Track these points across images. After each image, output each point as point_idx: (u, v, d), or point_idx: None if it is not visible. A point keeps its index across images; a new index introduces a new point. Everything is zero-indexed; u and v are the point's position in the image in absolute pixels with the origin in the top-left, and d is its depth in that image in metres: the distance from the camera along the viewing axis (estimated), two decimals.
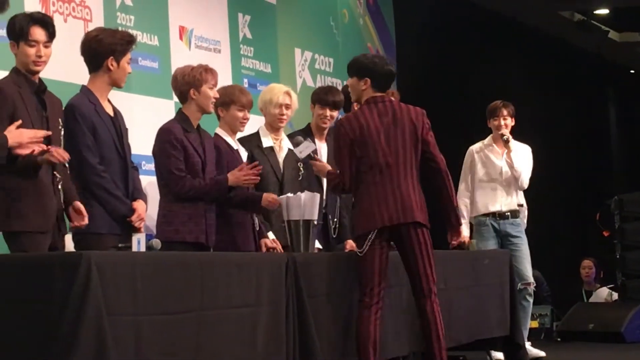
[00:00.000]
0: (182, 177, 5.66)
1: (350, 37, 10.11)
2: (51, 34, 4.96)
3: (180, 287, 4.20)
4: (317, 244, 6.46)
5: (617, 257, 10.57)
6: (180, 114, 5.85)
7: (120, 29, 6.23)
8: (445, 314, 6.52)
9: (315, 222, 5.77)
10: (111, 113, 5.41)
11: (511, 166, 8.05)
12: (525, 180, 8.10)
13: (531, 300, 8.16)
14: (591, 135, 15.74)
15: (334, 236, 6.77)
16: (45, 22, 4.96)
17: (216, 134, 6.13)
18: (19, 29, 4.90)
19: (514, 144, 8.17)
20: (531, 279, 8.13)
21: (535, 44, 13.77)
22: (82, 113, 5.25)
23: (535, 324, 10.26)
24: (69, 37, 6.18)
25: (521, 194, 8.29)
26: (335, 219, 6.80)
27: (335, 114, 6.78)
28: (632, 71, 16.73)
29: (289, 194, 5.80)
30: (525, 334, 7.94)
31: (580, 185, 15.08)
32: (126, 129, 5.49)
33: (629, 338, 9.59)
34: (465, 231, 8.09)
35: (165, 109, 7.26)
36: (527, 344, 8.00)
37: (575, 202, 14.69)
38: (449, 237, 5.90)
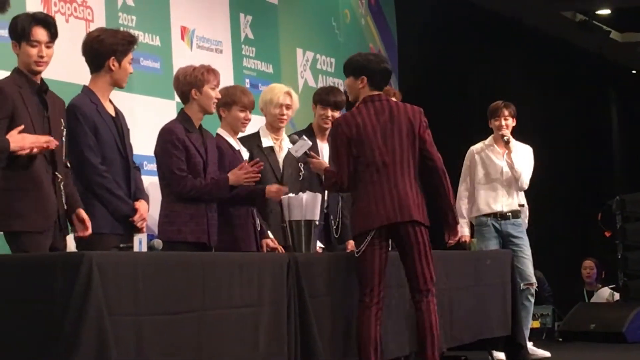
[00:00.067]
0: (183, 177, 5.66)
1: (352, 38, 10.11)
2: (53, 35, 4.96)
3: (182, 287, 4.20)
4: (320, 244, 6.47)
5: (619, 257, 10.59)
6: (182, 114, 5.85)
7: (121, 29, 6.24)
8: (447, 314, 6.55)
9: (317, 223, 5.78)
10: (113, 113, 5.41)
11: (511, 167, 8.06)
12: (525, 181, 8.10)
13: (533, 300, 8.16)
14: (592, 136, 15.73)
15: (336, 236, 6.77)
16: (47, 22, 4.96)
17: (218, 134, 6.14)
18: (21, 29, 4.90)
19: (516, 144, 8.17)
20: (533, 279, 8.14)
21: (536, 44, 13.77)
22: (84, 113, 5.25)
23: (536, 324, 10.27)
24: (71, 37, 6.18)
25: (522, 194, 8.29)
26: (337, 219, 6.80)
27: (337, 114, 6.78)
28: (633, 71, 16.72)
29: (291, 194, 5.80)
30: (527, 334, 7.95)
31: (582, 186, 15.07)
32: (128, 129, 5.49)
33: (631, 338, 9.59)
34: (465, 231, 8.11)
35: (166, 109, 7.27)
36: (530, 344, 8.01)
37: (577, 203, 14.68)
38: (446, 236, 5.90)
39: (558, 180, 13.94)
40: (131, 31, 6.29)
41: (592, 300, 11.40)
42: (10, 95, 4.81)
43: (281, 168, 6.41)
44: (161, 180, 5.80)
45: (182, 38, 7.85)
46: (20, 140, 4.67)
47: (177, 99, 6.09)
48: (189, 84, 5.79)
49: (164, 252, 4.86)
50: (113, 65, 5.33)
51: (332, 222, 6.76)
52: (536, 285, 8.30)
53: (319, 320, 5.13)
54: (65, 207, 4.99)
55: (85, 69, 5.41)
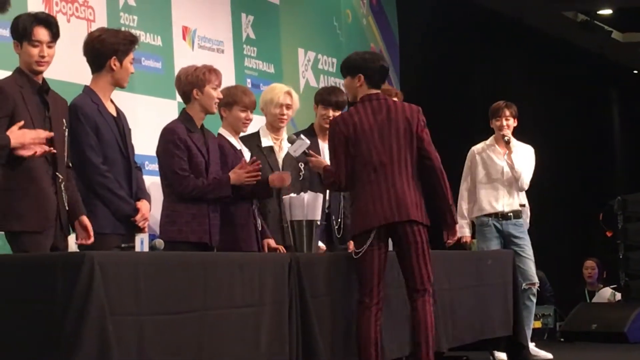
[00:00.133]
0: (185, 177, 5.66)
1: (353, 37, 10.11)
2: (55, 35, 4.96)
3: (183, 287, 4.20)
4: (321, 244, 6.47)
5: (620, 257, 10.58)
6: (184, 114, 5.85)
7: (123, 29, 6.24)
8: (448, 314, 6.55)
9: (319, 223, 5.77)
10: (114, 113, 5.40)
11: (511, 167, 8.05)
12: (525, 181, 8.09)
13: (535, 300, 8.16)
14: (594, 136, 15.73)
15: (338, 236, 6.77)
16: (49, 22, 4.96)
17: (219, 134, 6.14)
18: (23, 29, 4.90)
19: (517, 144, 8.17)
20: (536, 279, 8.14)
21: (538, 44, 13.77)
22: (85, 113, 5.25)
23: (538, 324, 10.27)
24: (72, 37, 6.19)
25: (523, 194, 8.29)
26: (339, 220, 6.79)
27: (338, 114, 6.77)
28: (635, 71, 16.72)
29: (292, 194, 5.80)
30: (529, 334, 7.95)
31: (583, 186, 15.07)
32: (129, 129, 5.49)
33: (632, 338, 9.58)
34: (466, 231, 8.10)
35: (168, 109, 7.27)
36: (532, 345, 8.00)
37: (578, 203, 14.68)
38: (445, 235, 5.88)
39: (559, 181, 13.94)
40: (132, 31, 6.29)
41: (594, 300, 11.41)
42: (10, 95, 4.81)
43: (281, 168, 6.39)
44: (163, 180, 5.79)
45: (184, 38, 7.86)
46: (21, 136, 4.66)
47: (179, 98, 6.09)
48: (190, 83, 5.79)
49: (166, 252, 4.86)
50: (114, 65, 5.33)
51: (334, 222, 6.76)
52: (538, 285, 8.30)
53: (320, 321, 5.13)
54: (67, 207, 4.99)
55: (87, 68, 5.41)
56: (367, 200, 5.50)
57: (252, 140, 6.42)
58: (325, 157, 6.61)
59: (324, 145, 6.79)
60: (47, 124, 4.91)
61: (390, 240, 5.59)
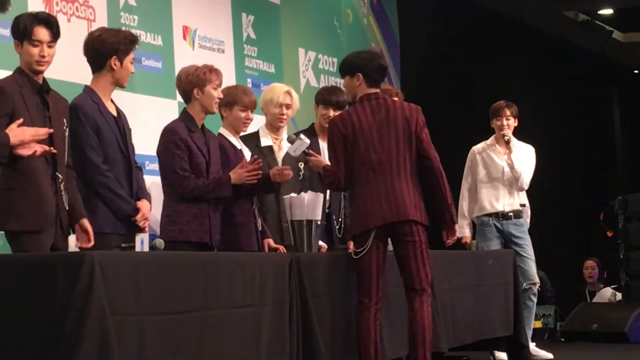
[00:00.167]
0: (185, 177, 5.66)
1: (354, 37, 10.11)
2: (55, 34, 4.96)
3: (184, 287, 4.19)
4: (322, 244, 6.46)
5: (621, 257, 10.58)
6: (184, 114, 5.84)
7: (123, 28, 6.23)
8: (449, 314, 6.55)
9: (319, 222, 5.77)
10: (114, 113, 5.40)
11: (511, 167, 8.05)
12: (525, 181, 8.08)
13: (535, 300, 8.15)
14: (595, 136, 15.73)
15: (339, 236, 6.77)
16: (50, 22, 4.96)
17: (220, 134, 6.13)
18: (23, 29, 4.90)
19: (517, 144, 8.17)
20: (536, 279, 8.13)
21: (539, 44, 13.77)
22: (86, 113, 5.24)
23: (538, 324, 10.27)
24: (73, 37, 6.18)
25: (524, 194, 8.28)
26: (340, 219, 6.79)
27: (337, 114, 6.77)
28: (635, 71, 16.71)
29: (292, 194, 5.80)
30: (530, 334, 7.95)
31: (584, 186, 15.07)
32: (129, 129, 5.49)
33: (633, 338, 9.58)
34: (466, 231, 8.10)
35: (168, 109, 7.27)
36: (532, 345, 8.00)
37: (579, 202, 14.68)
38: (444, 235, 5.87)
39: (560, 180, 13.94)
40: (133, 31, 6.29)
41: (594, 300, 11.41)
42: (10, 94, 4.81)
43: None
44: (163, 180, 5.79)
45: (184, 38, 7.86)
46: (20, 134, 4.65)
47: (179, 98, 6.09)
48: (191, 83, 5.79)
49: (166, 252, 4.86)
50: (115, 64, 5.32)
51: (335, 222, 6.76)
52: (538, 285, 8.30)
53: (321, 320, 5.12)
54: (67, 207, 4.99)
55: (87, 68, 5.41)
56: (365, 200, 5.49)
57: (252, 140, 6.42)
58: (325, 156, 6.61)
59: (324, 145, 6.79)
60: (47, 123, 4.91)
61: (389, 240, 5.58)
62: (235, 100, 6.11)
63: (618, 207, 10.55)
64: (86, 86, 5.38)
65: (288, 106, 6.48)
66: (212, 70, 5.82)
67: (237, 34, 8.49)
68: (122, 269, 3.88)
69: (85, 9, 6.91)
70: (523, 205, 8.25)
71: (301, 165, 6.44)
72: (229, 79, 7.28)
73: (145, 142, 6.44)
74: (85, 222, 5.06)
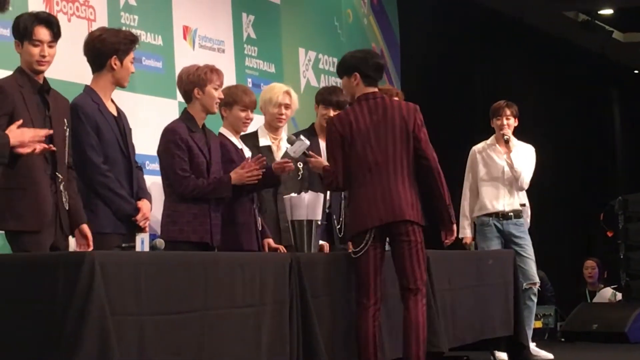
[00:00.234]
0: (185, 177, 5.66)
1: (354, 37, 10.11)
2: (56, 34, 4.96)
3: (184, 287, 4.19)
4: (322, 243, 6.46)
5: (621, 257, 10.58)
6: (185, 114, 5.84)
7: (123, 28, 6.23)
8: (449, 314, 6.54)
9: (319, 222, 5.77)
10: (114, 113, 5.40)
11: (511, 166, 8.05)
12: (525, 181, 8.08)
13: (535, 300, 8.15)
14: (595, 136, 15.73)
15: (340, 236, 6.76)
16: (50, 22, 4.96)
17: (220, 134, 6.13)
18: (24, 29, 4.90)
19: (517, 143, 8.17)
20: (537, 279, 8.13)
21: (539, 44, 13.77)
22: (86, 113, 5.25)
23: (539, 324, 10.27)
24: (73, 36, 6.18)
25: (524, 193, 8.28)
26: (341, 219, 6.79)
27: (335, 113, 6.76)
28: (636, 71, 16.72)
29: (293, 194, 5.79)
30: (530, 334, 7.95)
31: (584, 186, 15.07)
32: (130, 129, 5.49)
33: (633, 338, 9.58)
34: (467, 232, 8.10)
35: (168, 109, 7.27)
36: (532, 345, 8.00)
37: (579, 202, 14.68)
38: (443, 235, 5.85)
39: (560, 180, 13.94)
40: (133, 31, 6.29)
41: (595, 300, 11.41)
42: (10, 94, 4.81)
43: None
44: (164, 180, 5.79)
45: (184, 37, 7.86)
46: (20, 135, 4.64)
47: (179, 98, 6.09)
48: (191, 83, 5.78)
49: (166, 252, 4.86)
50: (115, 64, 5.33)
51: (335, 222, 6.75)
52: (539, 285, 8.30)
53: (321, 321, 5.12)
54: (67, 207, 4.98)
55: (87, 68, 5.42)
56: (362, 201, 5.49)
57: (250, 140, 6.41)
58: (325, 157, 6.61)
59: (324, 145, 6.79)
60: (47, 123, 4.91)
61: (387, 240, 5.58)
62: (236, 100, 6.11)
63: (618, 207, 10.55)
64: (86, 86, 5.38)
65: (287, 106, 6.47)
66: (213, 70, 5.82)
67: (238, 33, 8.49)
68: (123, 269, 3.87)
69: (86, 9, 6.91)
70: (523, 205, 8.24)
71: (300, 165, 6.43)
72: (229, 79, 7.27)
73: (145, 142, 6.44)
74: (85, 228, 5.07)
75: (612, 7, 13.67)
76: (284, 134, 6.58)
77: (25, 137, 4.65)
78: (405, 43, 11.06)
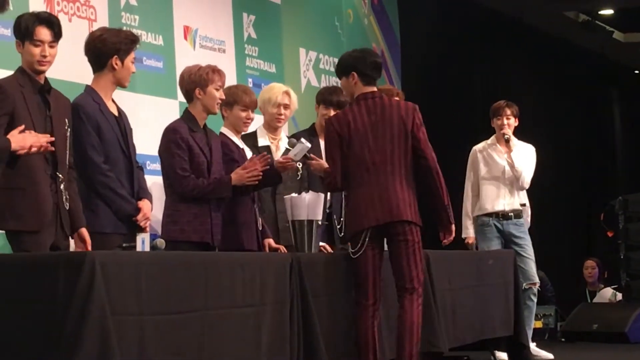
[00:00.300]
0: (185, 177, 5.66)
1: (355, 37, 10.11)
2: (57, 34, 4.96)
3: (185, 287, 4.19)
4: (322, 244, 6.46)
5: (621, 257, 10.59)
6: (186, 114, 5.84)
7: (124, 28, 6.23)
8: (449, 314, 6.54)
9: (320, 222, 5.77)
10: (115, 113, 5.40)
11: (512, 166, 8.05)
12: (526, 180, 8.09)
13: (535, 300, 8.15)
14: (595, 136, 15.73)
15: (340, 236, 6.76)
16: (51, 22, 4.96)
17: (221, 133, 6.13)
18: (25, 29, 4.90)
19: (518, 143, 8.17)
20: (536, 279, 8.13)
21: (539, 44, 13.77)
22: (87, 112, 5.25)
23: (539, 324, 10.27)
24: (74, 36, 6.18)
25: (524, 193, 8.28)
26: (342, 219, 6.79)
27: (334, 113, 6.76)
28: (636, 71, 16.72)
29: (293, 194, 5.79)
30: (530, 334, 7.95)
31: (584, 186, 15.07)
32: (130, 129, 5.49)
33: (633, 338, 9.59)
34: (470, 232, 8.10)
35: (169, 109, 7.27)
36: (532, 345, 8.00)
37: (579, 202, 14.69)
38: (441, 235, 5.85)
39: (560, 180, 13.94)
40: (134, 31, 6.29)
41: (595, 300, 11.41)
42: (11, 94, 4.81)
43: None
44: (165, 179, 5.79)
45: (185, 37, 7.86)
46: (21, 140, 4.66)
47: (180, 98, 6.09)
48: (193, 83, 5.78)
49: (167, 251, 4.85)
50: (116, 64, 5.33)
51: (336, 222, 6.75)
52: (539, 285, 8.30)
53: (322, 321, 5.12)
54: (68, 207, 4.99)
55: (88, 68, 5.42)
56: (359, 201, 5.49)
57: (249, 140, 6.41)
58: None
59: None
60: (47, 123, 4.91)
61: (385, 240, 5.58)
62: (236, 100, 6.11)
63: (618, 207, 10.56)
64: (87, 86, 5.38)
65: (286, 106, 6.47)
66: (215, 70, 5.82)
67: (238, 33, 8.49)
68: (123, 268, 3.88)
69: (87, 9, 6.91)
70: (523, 205, 8.24)
71: (299, 165, 6.43)
72: (229, 79, 7.26)
73: (146, 142, 6.45)
74: (84, 232, 5.07)
75: (612, 7, 13.67)
76: (283, 134, 6.59)
77: (26, 142, 4.66)
78: (405, 43, 11.06)
